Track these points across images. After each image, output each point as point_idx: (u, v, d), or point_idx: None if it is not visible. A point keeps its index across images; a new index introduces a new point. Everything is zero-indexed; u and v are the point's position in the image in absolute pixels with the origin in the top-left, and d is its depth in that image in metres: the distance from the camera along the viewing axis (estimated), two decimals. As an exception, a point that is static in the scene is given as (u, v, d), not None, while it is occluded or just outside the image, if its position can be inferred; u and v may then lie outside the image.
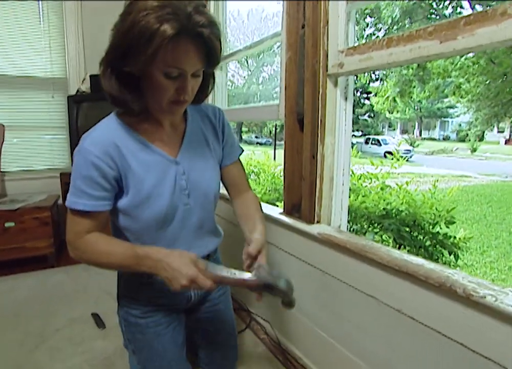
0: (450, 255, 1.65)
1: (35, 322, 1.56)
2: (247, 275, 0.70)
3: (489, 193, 8.11)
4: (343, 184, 1.16)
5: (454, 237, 1.68)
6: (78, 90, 2.48)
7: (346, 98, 1.17)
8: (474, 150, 18.68)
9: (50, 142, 2.74)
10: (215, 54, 0.70)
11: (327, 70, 1.13)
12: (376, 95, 12.88)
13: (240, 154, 0.96)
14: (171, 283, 0.68)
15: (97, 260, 0.76)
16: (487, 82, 10.33)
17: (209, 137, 0.89)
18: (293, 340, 1.34)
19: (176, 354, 0.94)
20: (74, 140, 2.45)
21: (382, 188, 1.84)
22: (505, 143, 24.89)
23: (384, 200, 1.72)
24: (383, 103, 11.08)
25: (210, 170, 0.89)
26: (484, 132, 23.85)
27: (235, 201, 0.95)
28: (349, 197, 1.62)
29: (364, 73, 10.67)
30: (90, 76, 2.39)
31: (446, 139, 28.67)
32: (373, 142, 16.81)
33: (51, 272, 2.13)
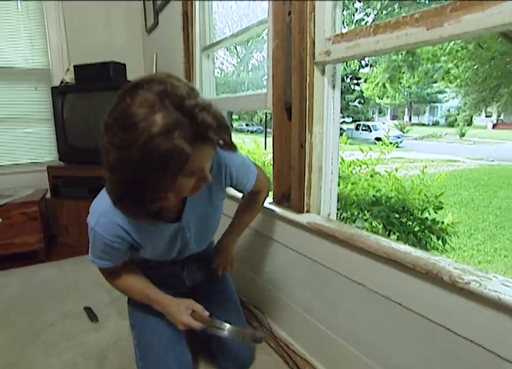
0: (438, 240, 1.68)
1: (27, 318, 1.55)
2: (226, 329, 0.99)
3: (476, 177, 8.25)
4: (332, 173, 1.16)
5: (442, 222, 1.71)
6: (62, 82, 2.42)
7: (334, 86, 1.16)
8: (462, 135, 18.88)
9: (36, 135, 2.69)
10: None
11: (314, 58, 1.11)
12: (365, 81, 12.85)
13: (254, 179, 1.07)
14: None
15: (124, 293, 1.09)
16: (475, 67, 10.39)
17: (212, 186, 0.96)
18: (285, 327, 1.36)
19: (170, 327, 1.07)
20: (60, 133, 2.40)
21: (371, 176, 1.86)
22: (493, 127, 25.20)
23: (373, 188, 1.73)
24: (373, 89, 11.08)
25: (212, 217, 1.07)
26: (472, 117, 24.08)
27: (243, 198, 1.19)
28: (339, 185, 1.63)
29: (353, 60, 10.60)
30: (74, 67, 2.33)
31: (435, 124, 28.89)
32: (363, 128, 16.84)
33: (41, 267, 2.11)
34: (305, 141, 1.14)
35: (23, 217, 2.15)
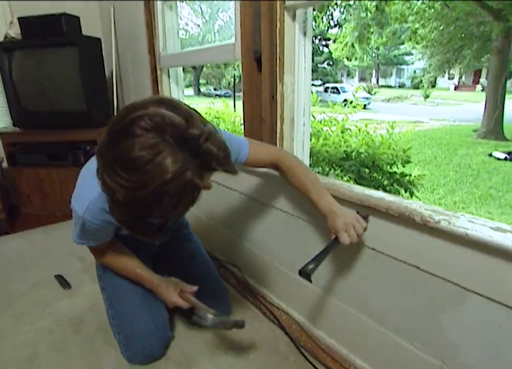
0: (406, 192, 1.74)
1: (-6, 289, 1.49)
2: (209, 319, 0.99)
3: (439, 137, 8.59)
4: (304, 125, 1.14)
5: (410, 175, 1.76)
6: (6, 36, 2.17)
7: (305, 33, 1.11)
8: (427, 96, 19.36)
9: (-18, 99, 2.44)
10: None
11: (284, 2, 1.05)
12: (334, 41, 12.64)
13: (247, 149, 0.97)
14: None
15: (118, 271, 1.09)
16: (441, 27, 10.48)
17: None
18: (261, 280, 1.39)
19: (142, 286, 1.09)
20: (11, 96, 2.19)
21: (342, 132, 1.86)
22: (454, 89, 25.96)
23: (344, 142, 1.74)
24: (342, 50, 10.97)
25: None
26: (436, 78, 24.60)
27: (282, 176, 1.03)
28: (310, 140, 1.62)
29: (322, 19, 10.32)
30: (19, 19, 2.08)
31: (401, 86, 29.31)
32: (332, 90, 16.80)
33: (6, 239, 2.01)
34: (276, 91, 1.09)
35: (-22, 187, 2.00)
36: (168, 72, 1.97)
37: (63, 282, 1.52)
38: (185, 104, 0.62)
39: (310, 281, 0.80)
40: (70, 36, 2.06)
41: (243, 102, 1.27)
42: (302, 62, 1.11)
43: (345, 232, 0.80)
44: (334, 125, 1.91)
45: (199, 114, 0.63)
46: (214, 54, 1.45)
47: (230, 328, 1.05)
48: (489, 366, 0.73)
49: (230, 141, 0.92)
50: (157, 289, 1.05)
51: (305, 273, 0.80)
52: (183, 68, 2.06)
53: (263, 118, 1.17)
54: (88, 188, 0.81)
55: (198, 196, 0.63)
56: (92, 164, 0.82)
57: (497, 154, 6.80)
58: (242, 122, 1.26)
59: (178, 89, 2.03)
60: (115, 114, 2.27)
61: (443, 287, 0.76)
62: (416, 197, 1.81)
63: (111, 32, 2.34)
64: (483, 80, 24.58)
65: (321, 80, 24.19)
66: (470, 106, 15.95)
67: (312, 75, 1.19)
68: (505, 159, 6.56)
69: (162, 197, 0.57)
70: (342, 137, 1.79)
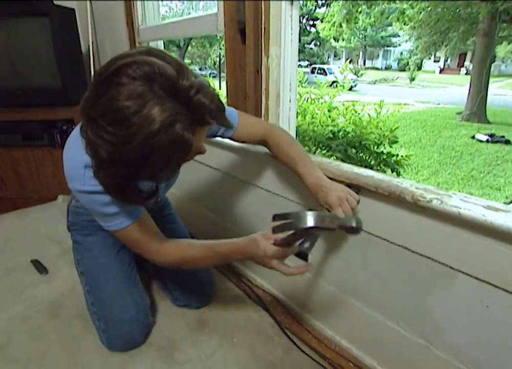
0: (392, 172, 1.72)
1: (-35, 275, 1.41)
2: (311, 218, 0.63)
3: (424, 119, 8.65)
4: (290, 101, 1.08)
5: (397, 155, 1.74)
6: (-32, 5, 2.00)
7: (292, 2, 1.03)
8: (413, 79, 19.41)
9: None
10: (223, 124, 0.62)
11: (270, -34, 0.97)
12: (322, 20, 12.39)
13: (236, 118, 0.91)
14: (263, 265, 0.76)
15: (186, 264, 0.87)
16: (429, 8, 10.39)
17: None
18: (245, 261, 1.36)
19: (123, 271, 1.05)
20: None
21: (329, 110, 1.81)
22: (440, 72, 26.10)
23: (332, 121, 1.70)
24: (329, 29, 10.75)
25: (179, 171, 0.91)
26: (422, 61, 24.61)
27: (269, 150, 0.95)
28: (297, 118, 1.57)
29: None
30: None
31: (388, 68, 29.29)
32: (319, 71, 16.63)
33: (-23, 223, 1.91)
34: (261, 65, 1.03)
35: None
36: (148, 45, 1.86)
37: (39, 266, 1.46)
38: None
39: (307, 260, 0.74)
40: (40, 5, 1.91)
41: (226, 76, 1.20)
42: (288, 34, 1.05)
43: (340, 207, 0.74)
44: (321, 104, 1.85)
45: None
46: (195, 26, 1.36)
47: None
48: (474, 346, 0.72)
49: None
50: (248, 252, 0.77)
51: (301, 253, 0.73)
52: (166, 46, 1.95)
53: (247, 93, 1.11)
54: (76, 159, 0.69)
55: (189, 154, 0.57)
56: (74, 133, 0.75)
57: (479, 136, 6.90)
58: (225, 95, 1.19)
59: (159, 65, 1.93)
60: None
61: (432, 267, 0.74)
62: (403, 177, 1.79)
63: (86, 3, 2.18)
64: (467, 63, 24.74)
65: (308, 61, 23.87)
66: (455, 89, 16.09)
67: (299, 55, 1.12)
68: (487, 141, 6.67)
69: (150, 152, 0.52)
70: (329, 116, 1.74)
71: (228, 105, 1.22)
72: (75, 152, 0.70)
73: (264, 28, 1.01)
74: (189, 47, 24.44)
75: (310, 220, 0.61)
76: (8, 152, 2.14)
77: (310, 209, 0.76)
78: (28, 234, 1.76)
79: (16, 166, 2.18)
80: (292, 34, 1.05)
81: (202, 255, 0.82)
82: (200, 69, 22.92)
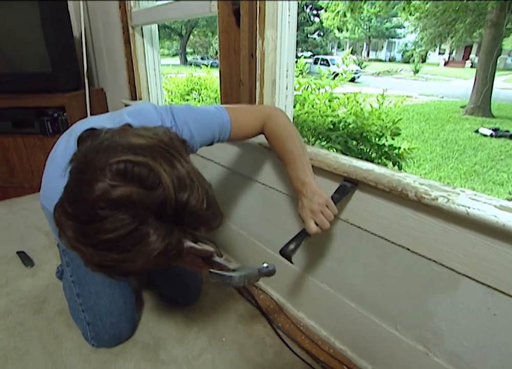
0: (394, 166, 1.66)
1: None
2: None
3: (427, 112, 8.53)
4: (287, 88, 1.01)
5: (399, 148, 1.67)
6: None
7: (290, -21, 0.96)
8: (416, 71, 19.16)
9: None
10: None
11: None
12: (326, 10, 12.15)
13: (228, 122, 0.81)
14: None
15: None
16: (436, -2, 10.18)
17: None
18: (239, 257, 1.31)
19: None
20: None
21: (330, 100, 1.73)
22: (444, 64, 25.77)
23: (332, 111, 1.62)
24: (333, 19, 10.54)
25: None
26: (427, 53, 24.29)
27: (266, 138, 0.87)
28: (294, 107, 1.49)
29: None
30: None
31: (392, 60, 28.96)
32: (322, 62, 16.40)
33: (-35, 213, 1.86)
34: (255, 49, 0.96)
35: None
36: (142, 30, 1.78)
37: (25, 258, 1.41)
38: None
39: (291, 262, 0.76)
40: (29, -15, 1.82)
41: (219, 62, 1.13)
42: (286, 15, 0.97)
43: (312, 220, 0.71)
44: (322, 94, 1.77)
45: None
46: (188, 7, 1.28)
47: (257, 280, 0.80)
48: (478, 356, 0.67)
49: (206, 120, 0.77)
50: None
51: (286, 254, 0.75)
52: (168, 36, 1.87)
53: (241, 80, 1.04)
54: (54, 188, 0.65)
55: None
56: (57, 154, 0.70)
57: (483, 130, 6.79)
58: (219, 81, 1.11)
59: (153, 51, 1.85)
60: (85, 78, 2.07)
61: (434, 270, 0.68)
62: (405, 171, 1.73)
63: (78, -16, 2.09)
64: (473, 56, 24.40)
65: (311, 51, 23.53)
66: (459, 83, 15.87)
67: (302, 46, 1.05)
68: (491, 135, 6.58)
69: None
70: (330, 106, 1.67)
71: (221, 92, 1.15)
72: (56, 177, 0.60)
73: (259, 8, 0.93)
74: (191, 36, 24.12)
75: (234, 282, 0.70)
76: (-1, 141, 2.08)
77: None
78: (16, 224, 1.71)
79: (6, 155, 2.12)
80: (289, 15, 0.97)
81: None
82: (202, 58, 22.66)
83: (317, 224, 0.72)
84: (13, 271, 1.35)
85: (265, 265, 0.76)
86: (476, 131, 6.89)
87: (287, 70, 1.00)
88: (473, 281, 0.62)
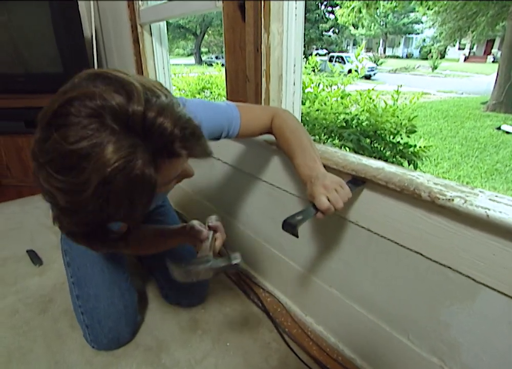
0: (409, 165, 1.59)
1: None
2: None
3: (446, 109, 8.28)
4: (294, 84, 0.96)
5: (415, 146, 1.60)
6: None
7: (297, -30, 0.91)
8: (435, 67, 18.68)
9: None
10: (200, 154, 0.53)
11: None
12: (340, 6, 11.97)
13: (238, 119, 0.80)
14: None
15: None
16: (456, -10, 9.88)
17: None
18: (246, 258, 1.27)
19: (111, 263, 0.98)
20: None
21: (342, 97, 1.67)
22: (464, 60, 25.05)
23: (345, 107, 1.56)
24: (348, 15, 10.36)
25: None
26: (446, 48, 23.67)
27: (272, 135, 0.85)
28: (304, 103, 1.44)
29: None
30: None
31: (409, 56, 28.36)
32: (337, 60, 16.17)
33: (-20, 211, 1.89)
34: (261, 43, 0.92)
35: None
36: (151, 28, 1.77)
37: (34, 257, 1.42)
38: (125, 74, 0.47)
39: (296, 235, 0.62)
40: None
41: (225, 59, 1.09)
42: (292, 8, 0.93)
43: (324, 195, 0.63)
44: (334, 92, 1.71)
45: (159, 83, 0.49)
46: (194, 3, 1.25)
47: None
48: (499, 370, 0.61)
49: (215, 114, 0.77)
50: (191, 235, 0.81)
51: (290, 225, 0.62)
52: (183, 35, 1.85)
53: (247, 76, 1.00)
54: None
55: (155, 191, 0.48)
56: None
57: (506, 127, 6.54)
58: (225, 78, 1.08)
59: (162, 49, 1.84)
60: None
61: (450, 278, 0.63)
62: (421, 170, 1.65)
63: (88, -16, 2.10)
64: (495, 50, 23.62)
65: (326, 49, 23.27)
66: (480, 78, 15.38)
67: (317, 43, 1.01)
68: (514, 132, 6.33)
69: (108, 198, 0.44)
70: (342, 103, 1.61)
71: (227, 89, 1.12)
72: None
73: (264, 1, 0.89)
74: (206, 36, 24.24)
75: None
76: (13, 140, 2.11)
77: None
78: (28, 223, 1.73)
79: (20, 154, 2.15)
80: (296, 7, 0.93)
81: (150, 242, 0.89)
82: (217, 57, 22.73)
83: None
84: (22, 270, 1.35)
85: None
86: (499, 128, 6.63)
87: (294, 65, 0.95)
88: (493, 291, 0.57)
